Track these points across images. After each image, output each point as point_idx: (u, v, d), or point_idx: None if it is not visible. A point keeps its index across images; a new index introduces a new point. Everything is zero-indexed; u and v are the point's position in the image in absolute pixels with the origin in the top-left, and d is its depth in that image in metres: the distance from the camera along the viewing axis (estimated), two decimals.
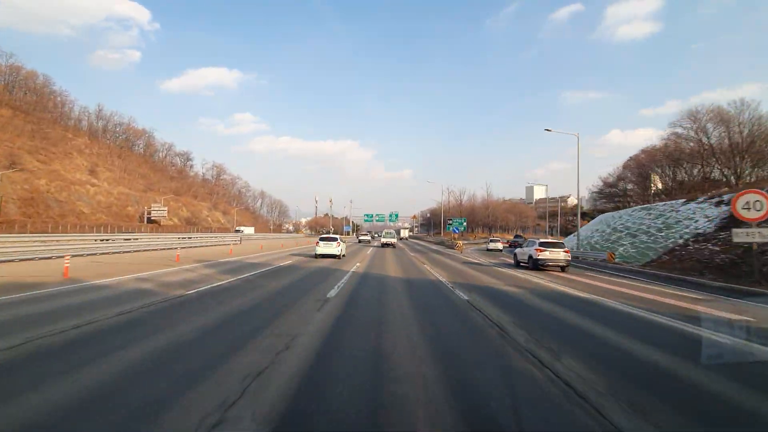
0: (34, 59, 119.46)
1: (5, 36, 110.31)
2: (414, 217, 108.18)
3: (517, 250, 20.38)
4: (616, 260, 21.95)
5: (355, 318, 6.92)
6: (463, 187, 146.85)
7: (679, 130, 40.63)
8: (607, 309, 8.49)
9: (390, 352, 4.81)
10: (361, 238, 52.84)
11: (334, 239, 21.62)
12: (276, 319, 6.45)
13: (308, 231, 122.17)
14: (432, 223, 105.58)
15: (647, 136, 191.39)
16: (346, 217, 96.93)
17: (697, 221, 22.12)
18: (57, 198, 59.96)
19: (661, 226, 24.48)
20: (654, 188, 47.02)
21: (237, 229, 75.66)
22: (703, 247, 18.80)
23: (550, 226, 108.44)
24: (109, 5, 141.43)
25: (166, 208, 72.51)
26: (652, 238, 24.15)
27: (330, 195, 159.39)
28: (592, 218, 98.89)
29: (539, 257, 17.02)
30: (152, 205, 72.43)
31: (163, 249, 24.48)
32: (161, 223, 74.64)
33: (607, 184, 56.50)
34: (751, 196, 13.11)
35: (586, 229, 37.37)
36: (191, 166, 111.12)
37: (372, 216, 77.43)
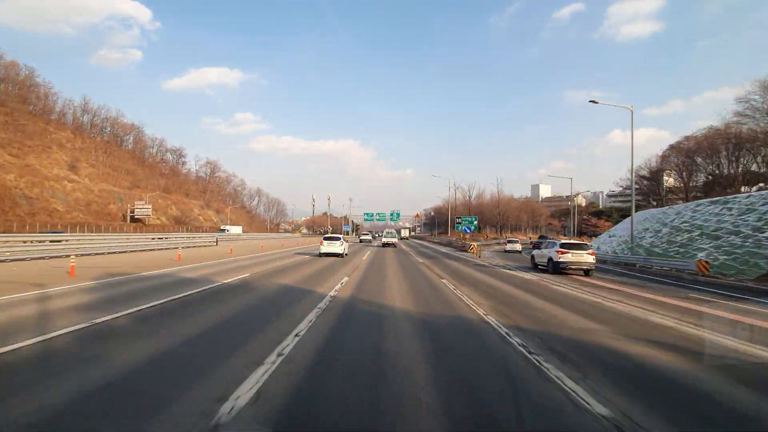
0: (35, 59, 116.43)
1: (6, 35, 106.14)
2: (417, 215, 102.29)
3: (535, 252, 19.03)
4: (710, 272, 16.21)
5: None
6: (472, 181, 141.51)
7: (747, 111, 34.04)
8: None
9: None
10: (363, 237, 53.68)
11: (338, 239, 22.34)
12: None
13: (306, 231, 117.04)
14: (436, 223, 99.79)
15: (649, 135, 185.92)
16: (345, 217, 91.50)
17: None
18: (27, 194, 54.67)
19: (760, 224, 18.76)
20: (704, 178, 40.71)
21: (222, 228, 70.41)
22: None
23: (562, 226, 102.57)
24: (110, 4, 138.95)
25: (150, 206, 67.26)
26: (750, 240, 18.36)
27: (329, 194, 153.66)
28: (619, 217, 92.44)
29: (561, 260, 15.50)
30: (136, 203, 67.20)
31: (103, 254, 19.16)
32: (146, 222, 69.48)
33: (642, 177, 49.29)
34: None
35: (621, 230, 31.80)
36: (184, 163, 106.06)
37: (372, 215, 72.43)
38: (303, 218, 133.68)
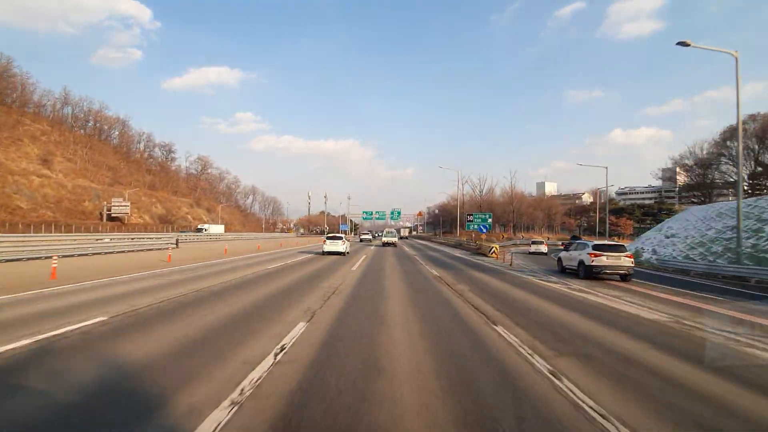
0: (35, 58, 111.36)
1: (6, 34, 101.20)
2: (419, 214, 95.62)
3: (562, 254, 17.51)
4: None
5: None
6: (483, 175, 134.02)
7: None
8: None
9: None
10: (363, 237, 53.98)
11: (340, 238, 23.21)
12: None
13: (301, 230, 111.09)
14: (441, 221, 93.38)
15: (649, 134, 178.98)
16: (343, 215, 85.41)
17: None
18: None
19: None
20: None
21: (199, 227, 64.58)
22: None
23: (577, 225, 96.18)
24: (110, 4, 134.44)
25: (128, 204, 61.33)
26: None
27: (328, 193, 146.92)
28: (641, 215, 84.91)
29: (594, 263, 14.01)
30: (112, 200, 61.27)
31: None
32: (125, 221, 63.60)
33: (699, 164, 41.78)
34: None
35: (684, 228, 25.65)
36: (173, 159, 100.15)
37: (371, 213, 66.70)
38: (297, 217, 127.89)
